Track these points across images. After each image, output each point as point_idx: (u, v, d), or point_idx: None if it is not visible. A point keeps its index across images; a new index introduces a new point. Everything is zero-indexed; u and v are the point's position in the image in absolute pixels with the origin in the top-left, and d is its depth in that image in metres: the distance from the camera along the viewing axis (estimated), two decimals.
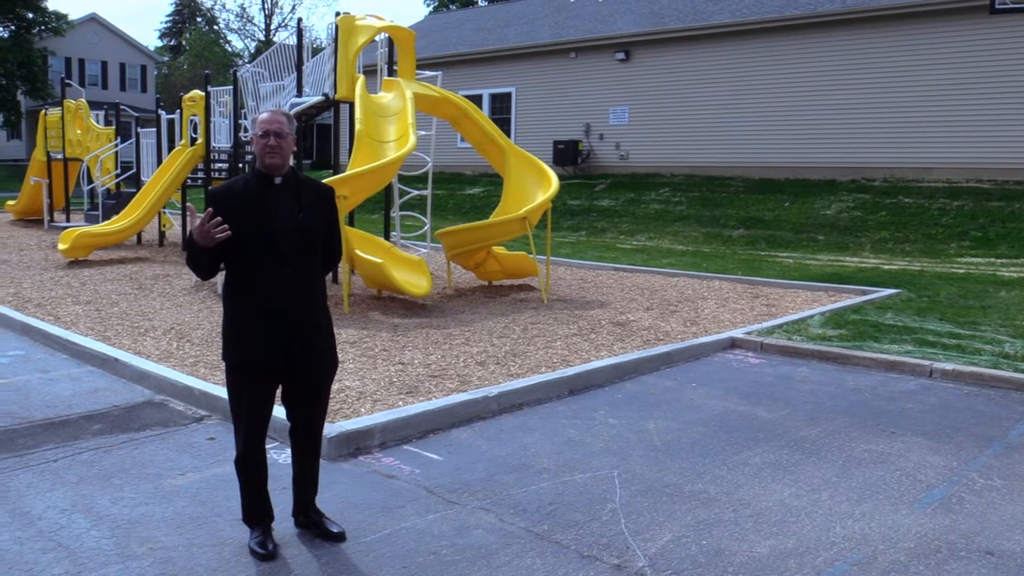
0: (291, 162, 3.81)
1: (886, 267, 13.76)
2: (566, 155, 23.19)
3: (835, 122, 19.26)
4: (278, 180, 3.74)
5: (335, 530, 3.93)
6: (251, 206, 3.65)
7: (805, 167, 19.74)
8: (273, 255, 3.61)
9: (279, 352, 3.69)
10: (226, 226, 3.52)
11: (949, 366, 7.26)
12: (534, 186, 11.00)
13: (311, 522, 3.99)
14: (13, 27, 42.34)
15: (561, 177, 14.54)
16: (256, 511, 3.84)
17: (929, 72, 17.93)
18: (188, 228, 3.82)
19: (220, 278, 10.42)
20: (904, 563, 3.82)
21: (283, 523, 3.99)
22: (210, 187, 12.99)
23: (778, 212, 18.02)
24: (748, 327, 8.92)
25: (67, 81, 20.36)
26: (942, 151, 17.86)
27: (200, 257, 3.62)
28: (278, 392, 3.83)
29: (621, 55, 22.75)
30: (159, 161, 15.79)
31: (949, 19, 17.74)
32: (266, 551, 3.73)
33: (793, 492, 4.63)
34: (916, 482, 4.82)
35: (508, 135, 17.22)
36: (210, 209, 3.55)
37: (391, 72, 11.90)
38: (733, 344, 8.38)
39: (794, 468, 5.01)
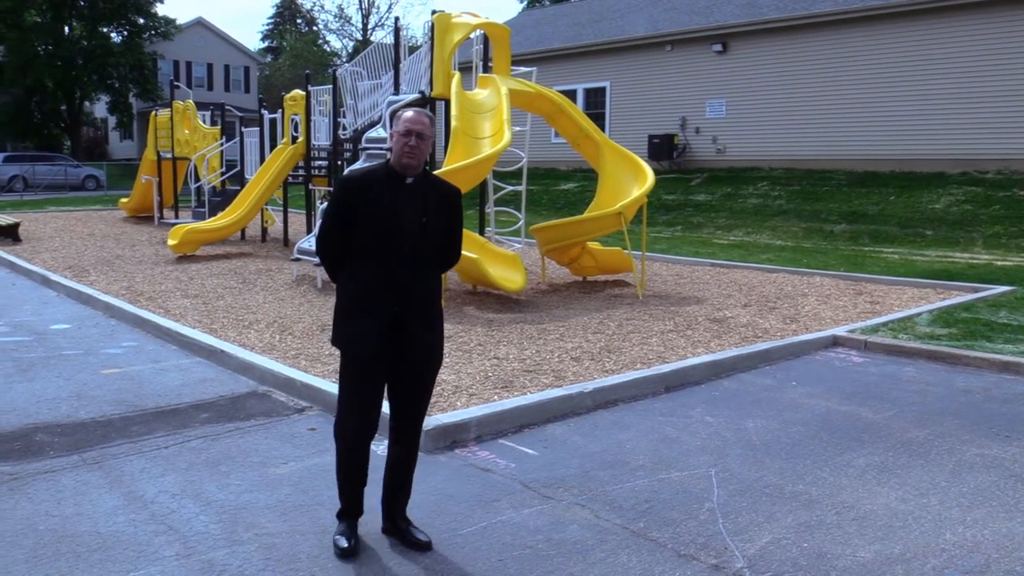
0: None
1: (999, 263, 13.15)
2: (661, 149, 22.91)
3: (944, 112, 18.48)
4: (409, 180, 3.71)
5: (422, 539, 3.82)
6: (381, 201, 3.65)
7: (912, 159, 19.01)
8: (393, 255, 3.61)
9: (389, 347, 3.69)
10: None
11: None
12: (629, 181, 10.91)
13: (396, 529, 3.91)
14: (126, 32, 44.40)
15: (656, 172, 14.37)
16: (346, 506, 3.88)
17: None
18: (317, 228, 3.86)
19: (320, 272, 10.72)
20: (1020, 573, 3.64)
21: (377, 514, 4.05)
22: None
23: (883, 206, 17.41)
24: (851, 325, 8.65)
25: (175, 83, 21.14)
26: None
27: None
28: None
29: (718, 47, 22.34)
30: (262, 159, 16.28)
31: None
32: (347, 546, 3.75)
33: (900, 496, 4.47)
34: None
35: (602, 130, 17.11)
36: None
37: (486, 68, 11.96)
38: (835, 342, 8.15)
39: (901, 471, 4.84)
